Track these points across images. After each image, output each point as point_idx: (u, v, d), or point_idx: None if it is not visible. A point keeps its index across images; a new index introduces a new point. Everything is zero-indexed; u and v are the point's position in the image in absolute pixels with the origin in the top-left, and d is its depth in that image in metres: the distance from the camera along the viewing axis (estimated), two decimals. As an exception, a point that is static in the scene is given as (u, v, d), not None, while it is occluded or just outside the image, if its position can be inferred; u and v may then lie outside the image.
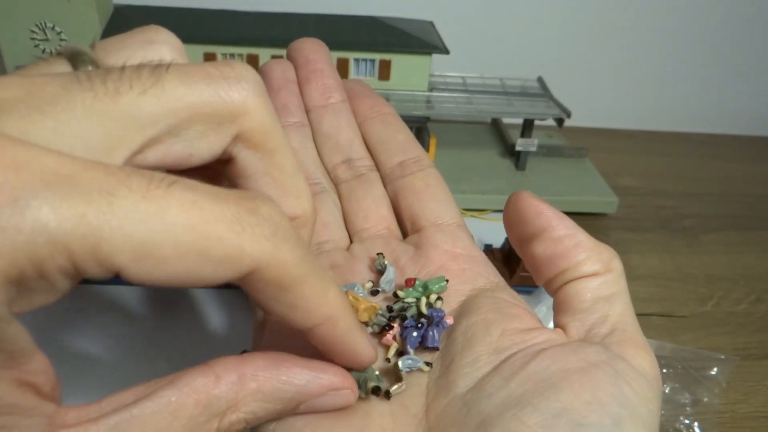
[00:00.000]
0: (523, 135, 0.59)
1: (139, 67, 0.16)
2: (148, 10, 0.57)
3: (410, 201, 0.29)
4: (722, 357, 0.40)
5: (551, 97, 0.60)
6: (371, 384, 0.21)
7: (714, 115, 0.83)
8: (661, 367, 0.39)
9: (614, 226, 0.57)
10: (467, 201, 0.55)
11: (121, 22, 0.54)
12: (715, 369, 0.39)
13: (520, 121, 0.59)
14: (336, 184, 0.30)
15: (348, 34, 0.56)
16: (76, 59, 0.18)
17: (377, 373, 0.22)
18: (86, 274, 0.14)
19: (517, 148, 0.60)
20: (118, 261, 0.14)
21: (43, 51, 0.52)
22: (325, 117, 0.31)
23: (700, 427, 0.36)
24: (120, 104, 0.15)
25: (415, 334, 0.23)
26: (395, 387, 0.21)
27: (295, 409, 0.19)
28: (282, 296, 0.17)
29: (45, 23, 0.51)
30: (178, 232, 0.14)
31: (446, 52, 0.55)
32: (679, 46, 0.77)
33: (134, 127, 0.16)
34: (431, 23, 0.61)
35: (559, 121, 0.57)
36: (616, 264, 0.23)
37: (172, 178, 0.14)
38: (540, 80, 0.63)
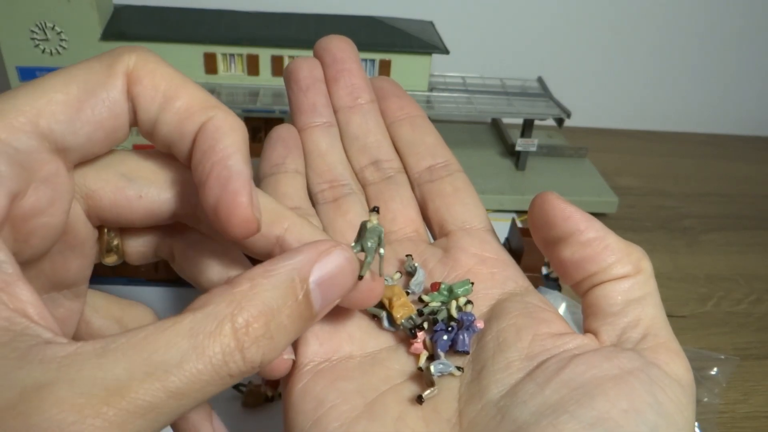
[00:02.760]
0: (523, 135, 0.59)
1: None
2: (148, 10, 0.57)
3: (438, 205, 0.29)
4: (722, 357, 0.40)
5: (551, 97, 0.60)
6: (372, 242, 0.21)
7: (714, 115, 0.83)
8: (661, 367, 0.39)
9: (614, 226, 0.56)
10: (467, 201, 0.55)
11: (121, 22, 0.54)
12: (715, 369, 0.39)
13: (520, 121, 0.59)
14: (364, 186, 0.30)
15: (348, 34, 0.56)
16: None
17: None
18: None
19: (517, 148, 0.60)
20: (50, 128, 0.18)
21: (43, 51, 0.52)
22: (354, 118, 0.31)
23: (700, 427, 0.36)
24: None
25: (445, 337, 0.23)
26: (428, 392, 0.21)
27: (306, 295, 0.18)
28: (161, 93, 0.20)
29: (45, 23, 0.51)
30: (67, 83, 0.19)
31: (446, 52, 0.55)
32: (680, 47, 0.77)
33: None
34: (431, 23, 0.61)
35: (559, 121, 0.57)
36: (646, 264, 0.23)
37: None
38: (540, 80, 0.63)
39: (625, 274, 0.23)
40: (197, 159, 0.19)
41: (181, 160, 0.21)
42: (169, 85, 0.20)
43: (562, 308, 0.40)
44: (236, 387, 0.34)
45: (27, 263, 0.19)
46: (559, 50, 0.75)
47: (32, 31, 0.51)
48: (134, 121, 0.20)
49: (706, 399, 0.38)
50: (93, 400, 0.14)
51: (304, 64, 0.31)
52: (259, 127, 0.57)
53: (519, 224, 0.49)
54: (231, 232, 0.18)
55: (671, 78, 0.80)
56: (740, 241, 0.57)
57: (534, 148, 0.60)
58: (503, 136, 0.66)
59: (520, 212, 0.56)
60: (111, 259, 0.23)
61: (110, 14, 0.54)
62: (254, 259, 0.21)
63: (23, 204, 0.18)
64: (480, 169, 0.60)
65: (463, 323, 0.23)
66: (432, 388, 0.21)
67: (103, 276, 0.42)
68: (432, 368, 0.22)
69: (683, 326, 0.45)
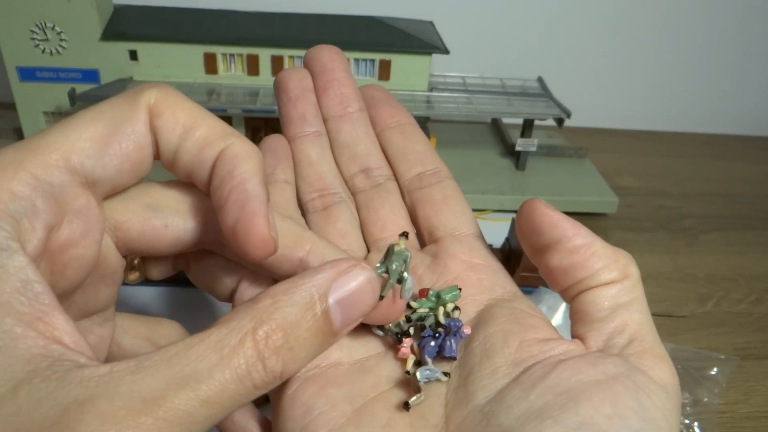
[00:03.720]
0: (523, 135, 0.59)
1: None
2: (148, 10, 0.57)
3: (428, 212, 0.29)
4: (722, 357, 0.40)
5: (551, 97, 0.60)
6: (397, 266, 0.22)
7: (714, 115, 0.83)
8: (661, 367, 0.39)
9: (614, 226, 0.57)
10: (467, 201, 0.55)
11: (121, 22, 0.54)
12: (715, 369, 0.39)
13: (520, 121, 0.59)
14: (354, 193, 0.30)
15: (348, 34, 0.56)
16: None
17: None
18: None
19: (517, 148, 0.60)
20: (80, 162, 0.19)
21: (43, 51, 0.52)
22: (343, 127, 0.31)
23: (700, 427, 0.36)
24: None
25: (432, 343, 0.23)
26: (414, 398, 0.21)
27: (326, 312, 0.19)
28: (182, 124, 0.21)
29: (45, 23, 0.51)
30: (92, 123, 0.20)
31: (446, 52, 0.55)
32: (680, 47, 0.77)
33: None
34: (431, 23, 0.61)
35: (559, 121, 0.57)
36: (633, 270, 0.23)
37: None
38: (540, 80, 0.63)
39: (612, 280, 0.23)
40: (216, 185, 0.20)
41: (201, 188, 0.22)
42: (189, 117, 0.21)
43: (562, 308, 0.40)
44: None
45: (63, 295, 0.20)
46: (559, 50, 0.75)
47: (32, 31, 0.51)
48: (156, 153, 0.21)
49: (706, 399, 0.38)
50: (132, 411, 0.15)
51: (294, 74, 0.31)
52: (259, 127, 0.57)
53: (519, 224, 0.49)
54: (249, 253, 0.19)
55: (671, 78, 0.80)
56: (740, 241, 0.57)
57: (534, 148, 0.60)
58: (503, 136, 0.66)
59: (520, 212, 0.56)
60: (134, 277, 0.24)
61: (110, 14, 0.54)
62: None
63: (58, 236, 0.19)
64: (480, 169, 0.60)
65: (451, 329, 0.23)
66: (419, 395, 0.21)
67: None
68: (419, 374, 0.22)
69: (683, 326, 0.45)
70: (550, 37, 0.75)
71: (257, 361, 0.17)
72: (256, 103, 0.53)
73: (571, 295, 0.24)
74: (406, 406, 0.21)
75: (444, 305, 0.24)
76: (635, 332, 0.22)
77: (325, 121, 0.31)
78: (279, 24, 0.57)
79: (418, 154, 0.31)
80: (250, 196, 0.19)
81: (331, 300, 0.19)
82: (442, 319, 0.24)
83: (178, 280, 0.42)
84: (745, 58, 0.79)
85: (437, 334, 0.23)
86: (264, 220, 0.19)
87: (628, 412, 0.19)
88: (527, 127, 0.59)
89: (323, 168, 0.30)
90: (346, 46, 0.54)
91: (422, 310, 0.24)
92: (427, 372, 0.22)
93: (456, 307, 0.24)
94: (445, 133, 0.64)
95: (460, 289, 0.25)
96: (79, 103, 0.51)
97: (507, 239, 0.46)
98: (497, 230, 0.50)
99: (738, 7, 0.75)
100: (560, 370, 0.20)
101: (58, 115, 0.55)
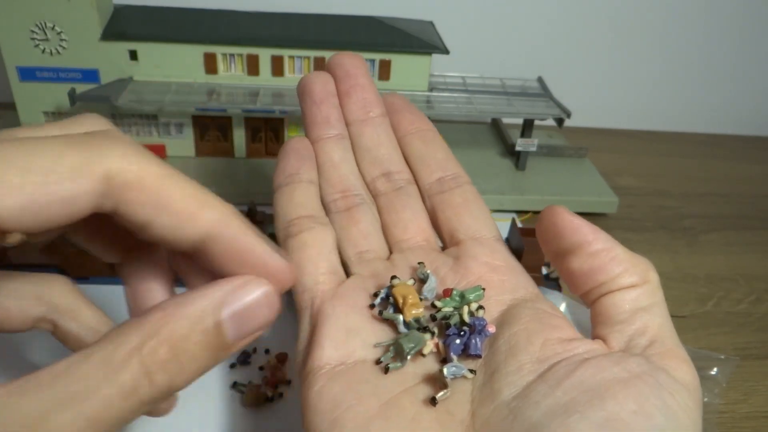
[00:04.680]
0: (523, 135, 0.59)
1: None
2: (148, 10, 0.57)
3: (448, 215, 0.29)
4: (722, 357, 0.40)
5: (551, 97, 0.60)
6: (409, 347, 0.23)
7: (714, 115, 0.83)
8: (661, 367, 0.39)
9: (614, 226, 0.57)
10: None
11: (121, 22, 0.54)
12: (715, 369, 0.39)
13: (520, 121, 0.59)
14: (375, 196, 0.31)
15: (348, 34, 0.56)
16: None
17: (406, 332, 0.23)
18: None
19: (517, 148, 0.60)
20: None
21: (43, 51, 0.52)
22: (365, 131, 0.32)
23: (700, 426, 0.36)
24: None
25: (458, 341, 0.23)
26: (441, 394, 0.22)
27: (218, 326, 0.18)
28: (154, 199, 0.18)
29: (45, 23, 0.51)
30: (27, 167, 0.16)
31: (446, 52, 0.55)
32: (680, 46, 0.77)
33: None
34: (431, 23, 0.61)
35: (559, 121, 0.57)
36: (653, 275, 0.24)
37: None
38: (540, 80, 0.63)
39: (633, 284, 0.24)
40: (220, 263, 0.19)
41: (172, 249, 0.20)
42: (160, 188, 0.18)
43: (562, 307, 0.40)
44: (236, 387, 0.34)
45: None
46: (559, 50, 0.75)
47: (32, 31, 0.51)
48: (113, 215, 0.18)
49: (706, 399, 0.38)
50: None
51: (318, 78, 0.32)
52: (259, 127, 0.57)
53: (519, 224, 0.49)
54: (279, 287, 0.19)
55: (671, 78, 0.80)
56: (740, 241, 0.57)
57: (534, 148, 0.60)
58: (503, 136, 0.66)
59: (520, 212, 0.56)
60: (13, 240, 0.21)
61: (110, 14, 0.54)
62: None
63: None
64: (480, 169, 0.60)
65: (475, 327, 0.24)
66: (445, 390, 0.22)
67: (101, 276, 0.42)
68: (445, 371, 0.22)
69: (683, 326, 0.45)
70: (550, 37, 0.75)
71: (143, 377, 0.17)
72: (256, 103, 0.53)
73: (591, 299, 0.24)
74: (433, 401, 0.22)
75: (468, 304, 0.25)
76: (656, 334, 0.23)
77: (347, 124, 0.32)
78: (279, 24, 0.57)
79: (438, 160, 0.32)
80: (257, 256, 0.19)
81: (224, 314, 0.18)
82: (467, 317, 0.24)
83: (177, 280, 0.42)
84: (745, 59, 0.79)
85: (462, 333, 0.24)
86: (273, 257, 0.19)
87: (652, 409, 0.20)
88: (527, 127, 0.59)
89: (345, 170, 0.31)
90: (346, 46, 0.54)
91: (447, 309, 0.25)
92: (454, 369, 0.23)
93: (480, 307, 0.25)
94: (445, 133, 0.64)
95: (483, 289, 0.25)
96: (79, 103, 0.51)
97: (507, 239, 0.46)
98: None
99: (738, 7, 0.75)
100: (585, 368, 0.21)
101: (57, 115, 0.55)
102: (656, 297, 0.24)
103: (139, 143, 0.19)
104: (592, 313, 0.24)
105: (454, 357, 0.23)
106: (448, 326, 0.24)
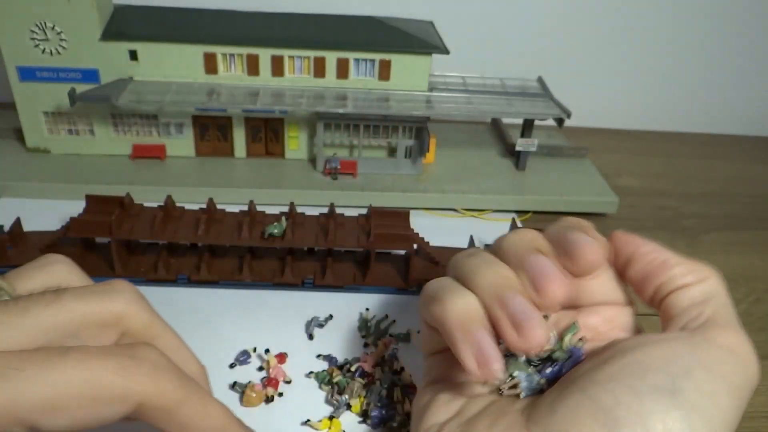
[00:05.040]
0: (523, 135, 0.59)
1: (45, 291, 0.22)
2: (148, 10, 0.57)
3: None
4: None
5: (551, 97, 0.60)
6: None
7: (714, 115, 0.83)
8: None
9: (614, 226, 0.56)
10: (467, 201, 0.55)
11: (121, 22, 0.54)
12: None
13: (520, 121, 0.59)
14: None
15: (348, 34, 0.56)
16: None
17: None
18: None
19: (517, 148, 0.60)
20: (32, 418, 0.18)
21: (43, 51, 0.52)
22: None
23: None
24: (27, 317, 0.20)
25: (549, 370, 0.26)
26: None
27: None
28: (171, 418, 0.21)
29: (45, 23, 0.51)
30: (75, 387, 0.19)
31: (446, 52, 0.55)
32: (679, 47, 0.77)
33: (38, 333, 0.20)
34: (431, 23, 0.61)
35: (559, 121, 0.57)
36: (713, 275, 0.25)
37: (67, 348, 0.19)
38: (540, 80, 0.63)
39: (689, 283, 0.25)
40: None
41: None
42: (181, 411, 0.22)
43: None
44: (235, 387, 0.34)
45: None
46: (559, 50, 0.75)
47: (32, 31, 0.51)
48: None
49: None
50: None
51: None
52: (259, 127, 0.57)
53: (519, 224, 0.49)
54: None
55: (671, 78, 0.80)
56: (740, 241, 0.57)
57: (534, 148, 0.60)
58: (503, 136, 0.66)
59: (520, 212, 0.56)
60: None
61: (110, 14, 0.54)
62: None
63: None
64: (480, 169, 0.60)
65: (573, 354, 0.26)
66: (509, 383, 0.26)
67: (101, 276, 0.42)
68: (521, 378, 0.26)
69: (683, 326, 0.45)
70: (550, 37, 0.75)
71: None
72: (256, 103, 0.53)
73: (656, 304, 0.26)
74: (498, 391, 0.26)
75: (567, 335, 0.26)
76: (710, 318, 0.24)
77: None
78: (279, 24, 0.57)
79: None
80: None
81: None
82: (567, 343, 0.26)
83: (177, 281, 0.42)
84: (745, 59, 0.79)
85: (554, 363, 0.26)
86: None
87: (678, 356, 0.22)
88: (527, 127, 0.59)
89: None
90: (346, 46, 0.54)
91: (548, 348, 0.26)
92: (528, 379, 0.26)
93: (581, 339, 0.26)
94: (445, 133, 0.64)
95: (577, 324, 0.27)
96: (78, 103, 0.52)
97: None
98: (497, 230, 0.50)
99: (738, 7, 0.75)
100: (627, 340, 0.24)
101: (57, 115, 0.55)
102: (715, 290, 0.25)
103: (165, 362, 0.22)
104: (660, 319, 0.26)
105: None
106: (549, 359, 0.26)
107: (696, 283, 0.25)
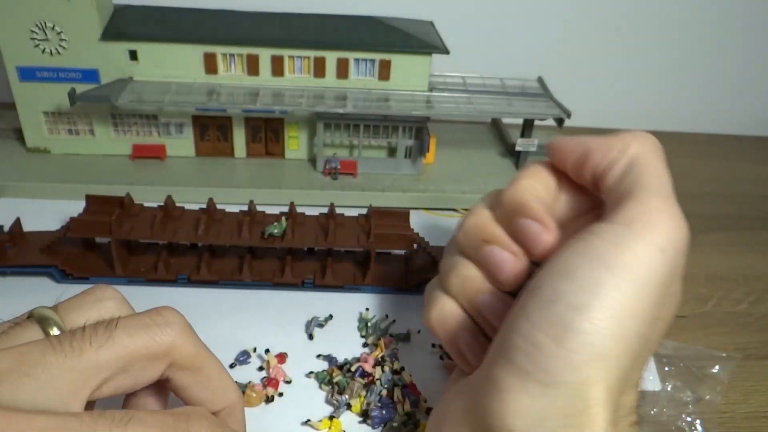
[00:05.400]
0: (523, 135, 0.59)
1: (96, 326, 0.22)
2: (148, 10, 0.57)
3: None
4: (724, 355, 0.40)
5: (551, 97, 0.60)
6: None
7: (714, 115, 0.83)
8: (663, 365, 0.39)
9: (614, 226, 0.57)
10: (467, 201, 0.55)
11: (121, 22, 0.54)
12: (717, 367, 0.39)
13: (520, 121, 0.59)
14: None
15: (348, 34, 0.56)
16: (44, 323, 0.23)
17: None
18: None
19: (517, 148, 0.60)
20: None
21: (43, 51, 0.52)
22: None
23: (702, 425, 0.36)
24: (83, 359, 0.21)
25: None
26: None
27: None
28: (199, 379, 0.24)
29: (45, 23, 0.51)
30: None
31: (446, 52, 0.55)
32: (680, 47, 0.77)
33: (94, 373, 0.21)
34: (431, 23, 0.61)
35: (559, 121, 0.57)
36: (635, 140, 0.27)
37: (129, 415, 0.20)
38: (540, 80, 0.63)
39: (613, 160, 0.26)
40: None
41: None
42: (202, 369, 0.25)
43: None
44: (236, 387, 0.34)
45: None
46: (559, 50, 0.75)
47: (32, 31, 0.51)
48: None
49: (708, 397, 0.38)
50: None
51: None
52: (259, 127, 0.57)
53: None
54: None
55: (671, 78, 0.79)
56: (740, 241, 0.57)
57: (534, 148, 0.60)
58: (503, 136, 0.66)
59: (520, 212, 0.56)
60: None
61: (110, 14, 0.54)
62: None
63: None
64: (480, 169, 0.60)
65: None
66: None
67: (101, 276, 0.42)
68: None
69: (683, 326, 0.45)
70: (550, 37, 0.74)
71: None
72: (256, 103, 0.53)
73: (603, 193, 0.27)
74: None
75: None
76: (625, 191, 0.26)
77: None
78: (279, 24, 0.57)
79: None
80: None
81: None
82: None
83: (177, 281, 0.42)
84: (746, 59, 0.79)
85: None
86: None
87: (593, 249, 0.23)
88: (527, 127, 0.59)
89: None
90: (346, 46, 0.54)
91: None
92: None
93: None
94: (445, 133, 0.64)
95: None
96: (78, 103, 0.51)
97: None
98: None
99: (738, 7, 0.75)
100: (538, 275, 0.25)
101: (57, 115, 0.55)
102: (634, 162, 0.27)
103: (188, 326, 0.25)
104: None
105: None
106: None
107: (619, 158, 0.26)
